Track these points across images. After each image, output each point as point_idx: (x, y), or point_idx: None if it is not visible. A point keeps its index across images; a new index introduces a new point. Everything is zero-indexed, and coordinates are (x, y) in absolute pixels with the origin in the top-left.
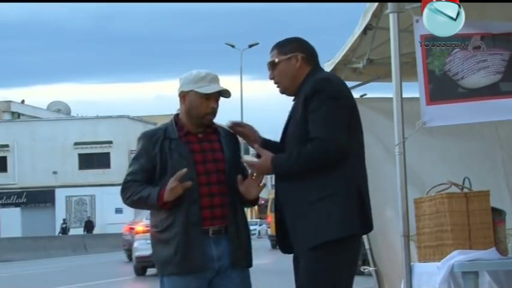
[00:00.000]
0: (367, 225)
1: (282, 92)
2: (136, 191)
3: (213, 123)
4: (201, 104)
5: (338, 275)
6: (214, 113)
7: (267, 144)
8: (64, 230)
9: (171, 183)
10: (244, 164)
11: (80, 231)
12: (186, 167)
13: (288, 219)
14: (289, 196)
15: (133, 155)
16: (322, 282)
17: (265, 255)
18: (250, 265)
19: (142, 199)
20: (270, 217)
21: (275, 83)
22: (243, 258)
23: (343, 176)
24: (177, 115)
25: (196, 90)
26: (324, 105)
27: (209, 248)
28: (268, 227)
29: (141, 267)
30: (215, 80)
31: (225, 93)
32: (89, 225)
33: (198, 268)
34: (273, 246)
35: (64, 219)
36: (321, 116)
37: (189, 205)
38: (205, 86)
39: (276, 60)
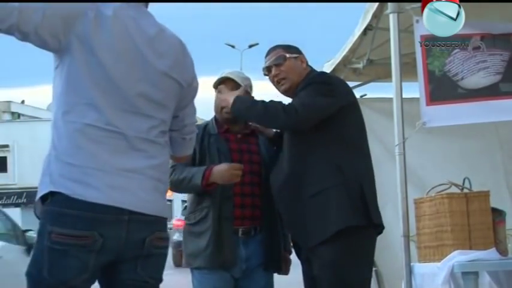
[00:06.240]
0: (369, 221)
1: (287, 89)
2: (182, 170)
3: (250, 124)
4: (216, 98)
5: (354, 263)
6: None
7: (279, 136)
8: None
9: (225, 169)
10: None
11: None
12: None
13: (287, 215)
14: (285, 193)
15: None
16: (341, 274)
17: None
18: (280, 269)
19: (187, 179)
20: None
21: (281, 78)
22: (274, 261)
23: (340, 170)
24: None
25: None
26: (310, 88)
27: (238, 248)
28: None
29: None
30: (227, 73)
31: (231, 82)
32: None
33: (227, 264)
34: None
35: None
36: (304, 94)
37: (223, 201)
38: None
39: (287, 55)
